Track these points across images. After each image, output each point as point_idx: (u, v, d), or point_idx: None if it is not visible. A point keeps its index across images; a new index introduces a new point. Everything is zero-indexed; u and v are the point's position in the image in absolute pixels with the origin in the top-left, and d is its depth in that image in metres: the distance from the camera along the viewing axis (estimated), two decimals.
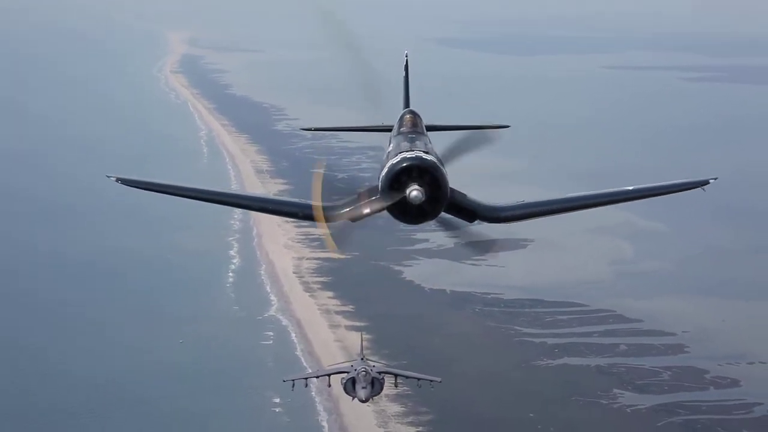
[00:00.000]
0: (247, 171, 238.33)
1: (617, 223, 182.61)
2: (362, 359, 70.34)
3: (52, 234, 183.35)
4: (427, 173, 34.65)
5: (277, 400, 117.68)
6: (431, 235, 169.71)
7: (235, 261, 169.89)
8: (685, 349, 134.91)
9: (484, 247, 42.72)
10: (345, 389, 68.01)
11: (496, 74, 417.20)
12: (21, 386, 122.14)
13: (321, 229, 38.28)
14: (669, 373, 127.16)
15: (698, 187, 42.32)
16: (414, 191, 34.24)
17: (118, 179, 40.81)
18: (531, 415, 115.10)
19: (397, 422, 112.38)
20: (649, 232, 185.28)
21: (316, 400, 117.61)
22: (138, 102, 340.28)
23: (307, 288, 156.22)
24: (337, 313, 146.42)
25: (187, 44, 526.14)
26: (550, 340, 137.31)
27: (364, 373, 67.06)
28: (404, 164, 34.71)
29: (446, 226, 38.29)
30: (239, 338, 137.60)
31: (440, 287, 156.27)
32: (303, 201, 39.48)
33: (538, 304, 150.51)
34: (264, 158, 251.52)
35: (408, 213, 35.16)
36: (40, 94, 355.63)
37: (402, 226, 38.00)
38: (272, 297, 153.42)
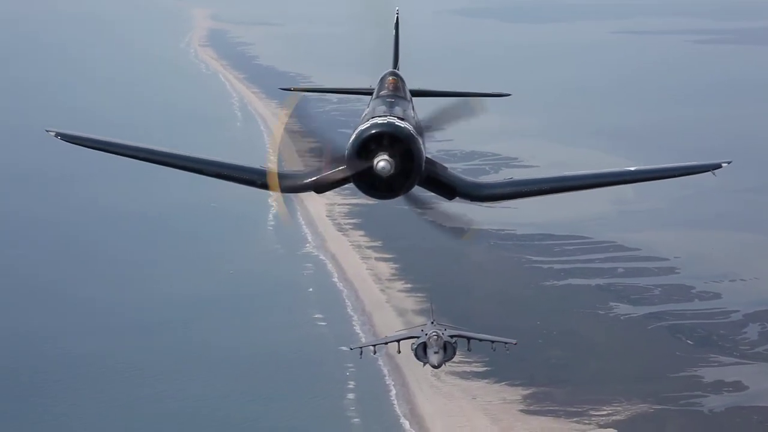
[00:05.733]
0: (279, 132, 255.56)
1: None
2: (432, 323, 68.24)
3: (98, 188, 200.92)
4: (399, 142, 30.68)
5: (319, 316, 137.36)
6: None
7: (273, 207, 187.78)
8: (676, 271, 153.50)
9: (456, 231, 38.95)
10: (416, 355, 65.75)
11: (505, 42, 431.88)
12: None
13: (275, 200, 35.46)
14: (660, 289, 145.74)
15: (708, 171, 37.59)
16: (382, 161, 30.38)
17: (57, 134, 37.40)
18: (538, 323, 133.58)
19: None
20: None
21: (353, 316, 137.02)
22: (170, 74, 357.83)
23: (340, 228, 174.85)
24: (368, 247, 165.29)
25: (210, 19, 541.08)
26: (557, 266, 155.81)
27: (435, 337, 64.79)
28: (373, 131, 30.87)
29: (413, 201, 34.51)
30: (282, 270, 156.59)
31: (459, 226, 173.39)
32: (261, 168, 36.08)
33: (547, 237, 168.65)
34: (294, 120, 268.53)
35: (375, 186, 31.34)
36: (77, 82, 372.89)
37: None
38: (309, 236, 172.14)
